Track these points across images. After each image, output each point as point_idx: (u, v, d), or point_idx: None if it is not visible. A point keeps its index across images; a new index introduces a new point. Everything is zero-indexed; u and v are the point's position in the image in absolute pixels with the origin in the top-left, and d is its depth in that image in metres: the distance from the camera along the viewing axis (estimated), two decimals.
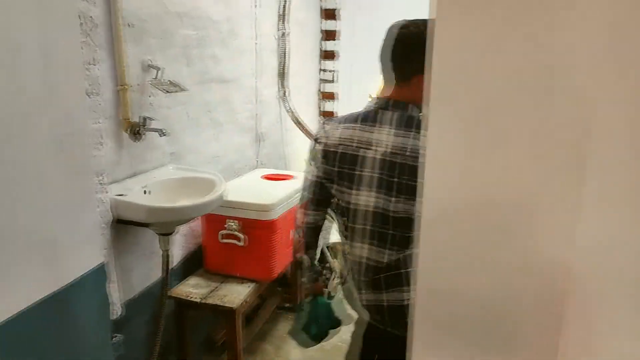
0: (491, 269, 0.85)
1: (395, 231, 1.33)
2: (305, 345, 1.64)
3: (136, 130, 1.85)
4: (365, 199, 1.35)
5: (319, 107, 4.49)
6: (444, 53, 0.73)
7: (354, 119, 1.39)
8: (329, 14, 4.26)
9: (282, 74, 3.32)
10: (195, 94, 2.30)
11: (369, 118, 1.36)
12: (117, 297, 1.73)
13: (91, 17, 1.47)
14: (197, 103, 2.33)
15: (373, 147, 1.32)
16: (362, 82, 4.26)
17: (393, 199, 1.30)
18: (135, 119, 1.85)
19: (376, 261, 1.38)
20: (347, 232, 1.43)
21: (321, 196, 1.46)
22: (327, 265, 3.37)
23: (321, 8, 4.24)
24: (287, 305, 2.97)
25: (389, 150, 1.30)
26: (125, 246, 1.89)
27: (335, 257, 3.52)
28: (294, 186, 2.56)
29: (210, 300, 2.12)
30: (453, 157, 0.83)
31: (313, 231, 1.55)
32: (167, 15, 2.03)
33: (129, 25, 1.80)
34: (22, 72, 1.23)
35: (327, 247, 3.36)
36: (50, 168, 1.35)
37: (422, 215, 1.00)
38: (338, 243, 3.52)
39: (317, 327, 1.56)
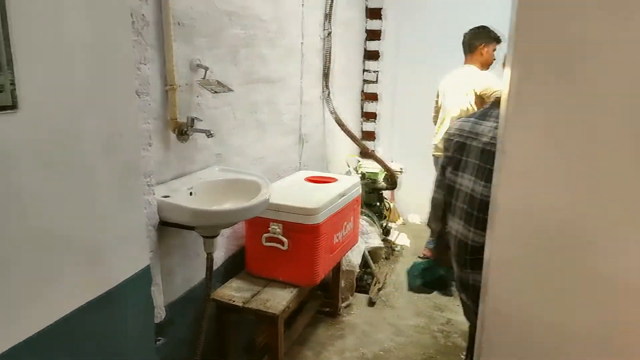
0: (574, 293, 0.76)
1: (480, 214, 1.50)
2: (410, 287, 2.15)
3: (183, 131, 1.82)
4: (464, 181, 1.60)
5: (361, 108, 4.41)
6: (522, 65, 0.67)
7: (473, 114, 1.69)
8: (374, 13, 4.18)
9: (326, 75, 3.26)
10: (241, 95, 2.26)
11: (483, 113, 1.62)
12: (161, 300, 1.70)
13: (143, 15, 1.44)
14: (243, 104, 2.29)
15: (477, 138, 1.56)
16: (407, 83, 4.16)
17: (487, 184, 1.46)
18: (183, 120, 1.82)
19: (465, 239, 1.59)
20: (450, 208, 1.71)
21: (443, 178, 1.76)
22: (368, 270, 3.28)
23: (366, 7, 4.16)
24: (327, 309, 2.90)
25: (489, 141, 1.49)
26: (168, 248, 1.86)
27: (375, 261, 3.43)
28: (338, 190, 2.49)
29: (252, 305, 2.08)
30: (532, 167, 0.74)
31: (438, 207, 1.85)
32: (216, 14, 2.00)
33: (178, 24, 1.77)
34: (74, 70, 1.21)
35: (368, 252, 3.28)
36: (99, 168, 1.33)
37: (492, 233, 0.91)
38: (378, 248, 3.44)
39: (421, 281, 2.00)
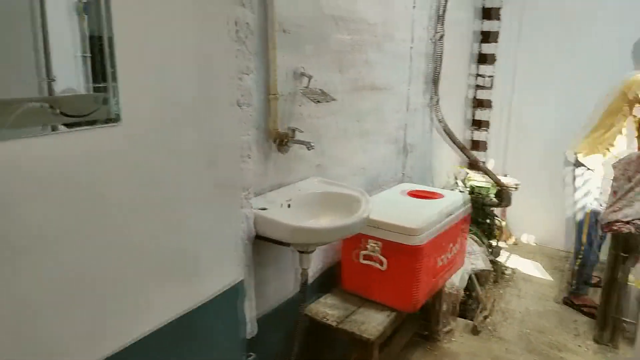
0: None
1: None
2: None
3: (283, 142, 1.76)
4: None
5: (466, 115, 4.08)
6: None
7: None
8: (488, 13, 3.85)
9: (435, 80, 3.05)
10: (346, 103, 2.16)
11: None
12: (252, 315, 1.65)
13: (247, 23, 1.39)
14: (347, 112, 2.19)
15: None
16: (527, 89, 3.78)
17: None
18: (283, 130, 1.76)
19: None
20: None
21: None
22: (473, 294, 3.01)
23: (478, 7, 3.85)
24: (425, 333, 2.70)
25: None
26: (262, 260, 1.80)
27: (482, 285, 3.14)
28: (444, 207, 2.29)
29: (346, 326, 1.96)
30: None
31: None
32: (323, 19, 1.92)
33: (284, 32, 1.71)
34: (177, 83, 1.19)
35: (475, 275, 3.01)
36: (198, 181, 1.30)
37: None
38: (486, 270, 3.14)
39: None
